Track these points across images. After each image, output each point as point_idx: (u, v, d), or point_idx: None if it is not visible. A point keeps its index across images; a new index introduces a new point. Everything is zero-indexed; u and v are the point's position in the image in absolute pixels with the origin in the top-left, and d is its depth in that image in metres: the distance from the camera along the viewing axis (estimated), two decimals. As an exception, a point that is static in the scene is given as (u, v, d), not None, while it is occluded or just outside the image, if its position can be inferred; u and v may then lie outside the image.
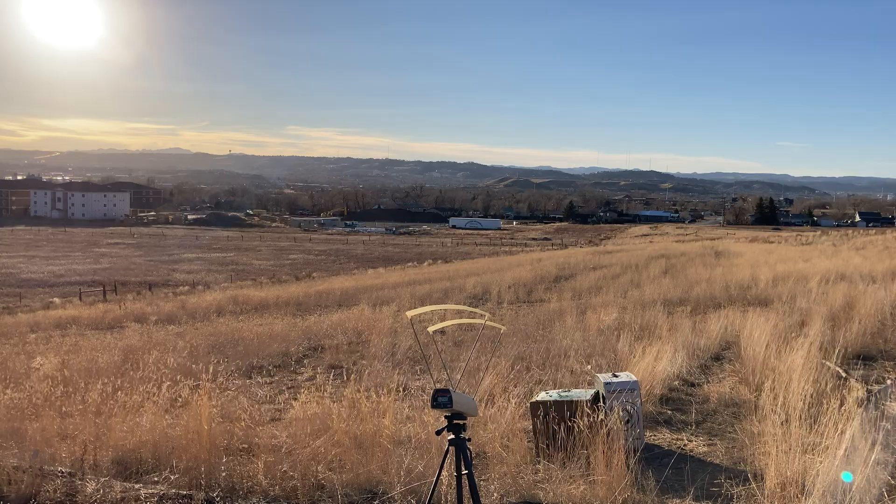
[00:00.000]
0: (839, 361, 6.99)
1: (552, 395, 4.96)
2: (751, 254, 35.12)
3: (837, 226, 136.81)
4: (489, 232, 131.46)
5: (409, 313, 3.55)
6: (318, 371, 8.28)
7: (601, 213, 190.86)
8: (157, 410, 5.12)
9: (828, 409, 4.48)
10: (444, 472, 3.40)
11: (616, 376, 5.16)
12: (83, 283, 42.85)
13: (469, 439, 3.26)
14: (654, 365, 6.45)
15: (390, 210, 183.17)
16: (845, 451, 3.83)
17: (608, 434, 4.38)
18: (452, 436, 3.18)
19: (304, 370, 8.67)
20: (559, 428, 4.59)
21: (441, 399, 3.09)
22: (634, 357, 6.95)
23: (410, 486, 4.07)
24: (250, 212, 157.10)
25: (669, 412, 5.82)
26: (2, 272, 49.76)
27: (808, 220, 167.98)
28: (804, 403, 4.67)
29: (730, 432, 5.22)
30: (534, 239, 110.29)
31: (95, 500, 3.99)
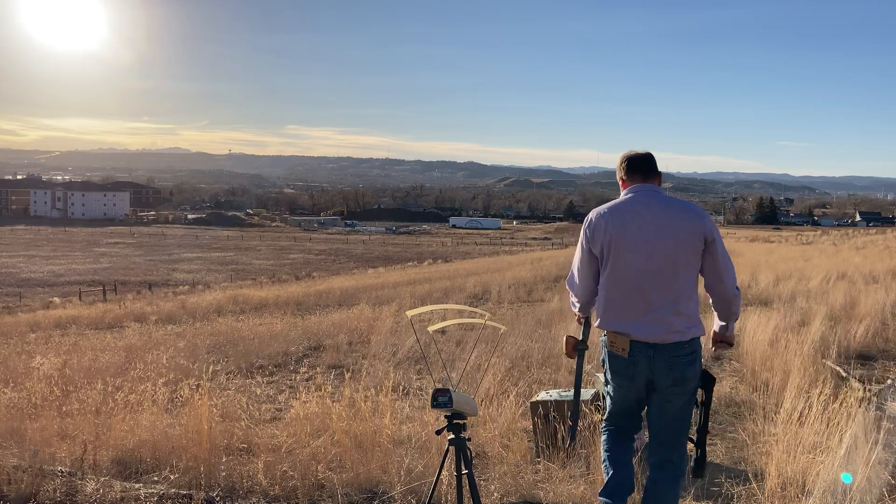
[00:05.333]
0: (840, 361, 6.99)
1: (552, 394, 4.96)
2: (751, 253, 35.15)
3: (838, 225, 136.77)
4: (489, 231, 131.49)
5: (409, 313, 3.55)
6: (318, 370, 8.28)
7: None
8: (156, 410, 5.11)
9: (828, 408, 4.48)
10: (444, 472, 3.39)
11: (616, 376, 5.14)
12: (83, 282, 42.84)
13: (469, 439, 3.26)
14: (654, 364, 6.44)
15: (390, 209, 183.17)
16: (846, 450, 3.83)
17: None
18: (452, 435, 3.17)
19: (304, 370, 8.67)
20: (559, 428, 4.59)
21: (441, 399, 3.09)
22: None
23: (410, 485, 4.07)
24: (250, 211, 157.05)
25: (670, 412, 5.81)
26: (2, 272, 49.76)
27: (808, 219, 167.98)
28: (804, 403, 4.67)
29: (730, 432, 5.22)
30: (534, 238, 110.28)
31: (95, 500, 3.99)
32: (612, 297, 3.05)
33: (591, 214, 3.12)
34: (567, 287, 3.32)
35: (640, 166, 3.10)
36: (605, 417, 3.38)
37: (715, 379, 3.23)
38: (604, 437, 3.36)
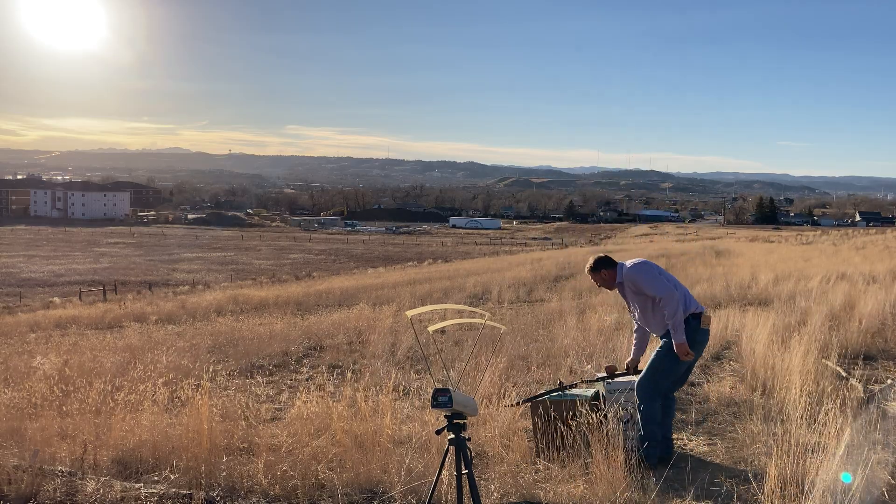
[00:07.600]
0: (839, 361, 6.99)
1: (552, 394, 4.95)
2: (751, 253, 35.14)
3: (838, 225, 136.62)
4: (489, 231, 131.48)
5: (409, 313, 3.55)
6: (319, 370, 8.28)
7: (601, 213, 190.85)
8: (157, 410, 5.11)
9: (828, 408, 4.49)
10: (444, 472, 3.40)
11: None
12: (83, 282, 42.84)
13: (469, 439, 3.26)
14: (654, 364, 6.43)
15: (390, 209, 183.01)
16: (846, 450, 3.83)
17: (608, 434, 4.38)
18: (452, 435, 3.18)
19: (304, 369, 8.67)
20: (559, 427, 4.59)
21: (441, 399, 3.09)
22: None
23: (410, 485, 4.07)
24: (250, 211, 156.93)
25: (669, 412, 5.81)
26: (2, 272, 49.76)
27: (808, 219, 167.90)
28: (804, 403, 4.67)
29: (730, 432, 5.22)
30: (534, 238, 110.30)
31: (95, 500, 3.99)
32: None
33: (649, 265, 4.88)
34: (675, 301, 4.67)
35: (609, 260, 4.98)
36: (653, 390, 4.65)
37: None
38: (648, 409, 4.60)
